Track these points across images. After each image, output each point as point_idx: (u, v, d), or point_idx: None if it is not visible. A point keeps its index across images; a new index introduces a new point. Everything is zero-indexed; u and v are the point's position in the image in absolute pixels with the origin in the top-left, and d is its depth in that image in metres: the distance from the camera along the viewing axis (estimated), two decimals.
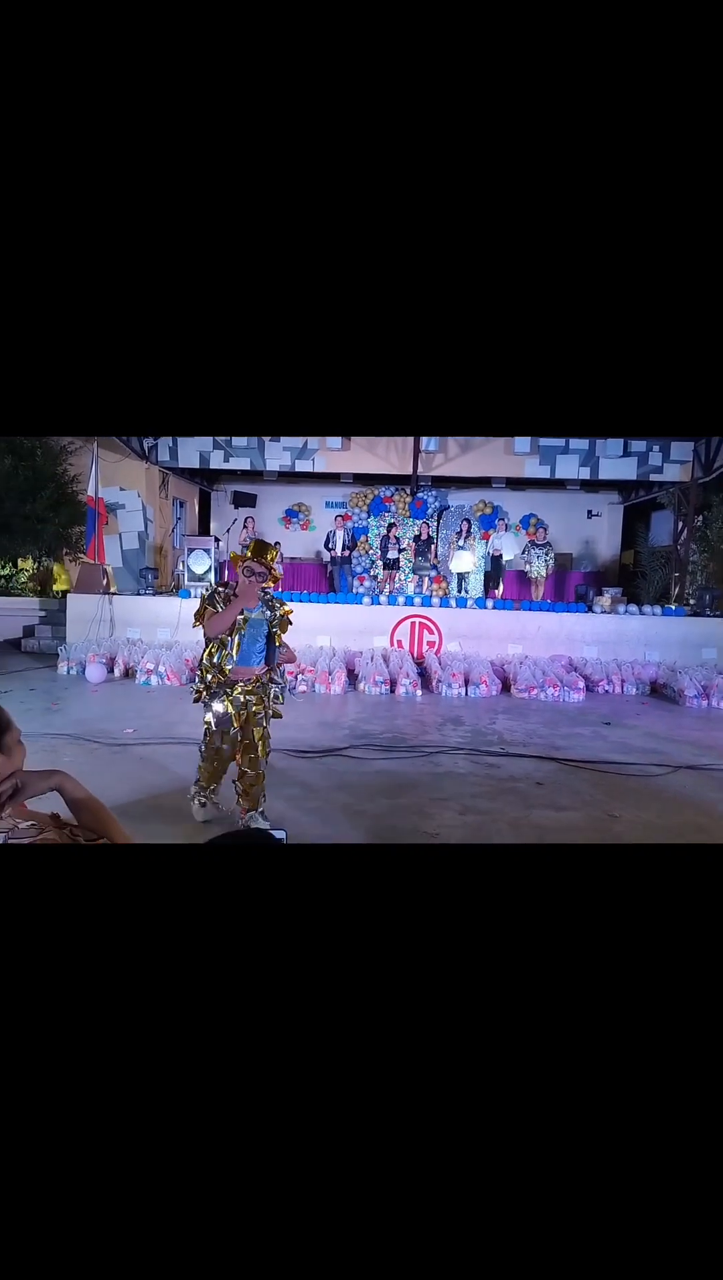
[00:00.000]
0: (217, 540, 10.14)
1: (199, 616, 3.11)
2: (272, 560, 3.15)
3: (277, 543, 3.60)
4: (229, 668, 3.10)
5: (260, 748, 3.14)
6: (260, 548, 3.14)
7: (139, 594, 9.23)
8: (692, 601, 9.58)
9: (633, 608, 8.94)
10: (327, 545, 10.58)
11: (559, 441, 10.52)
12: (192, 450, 11.01)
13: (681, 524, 10.73)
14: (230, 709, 3.11)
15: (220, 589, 3.17)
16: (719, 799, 3.98)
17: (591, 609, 8.90)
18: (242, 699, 3.11)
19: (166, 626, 8.65)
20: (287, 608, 3.26)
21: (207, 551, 9.80)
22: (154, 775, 4.03)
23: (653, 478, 10.62)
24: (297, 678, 7.10)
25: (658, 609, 8.97)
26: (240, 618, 3.09)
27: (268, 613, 3.18)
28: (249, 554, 3.12)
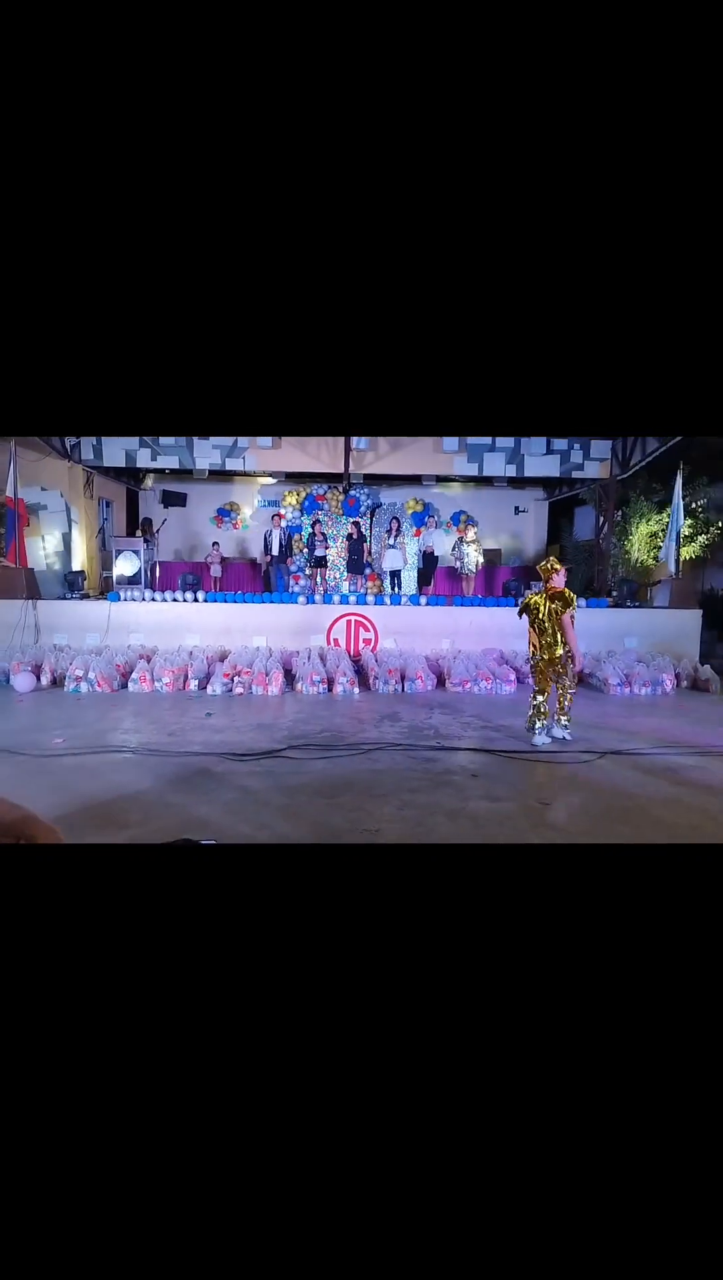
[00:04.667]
0: (146, 541, 9.89)
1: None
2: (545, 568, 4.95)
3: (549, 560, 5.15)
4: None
5: None
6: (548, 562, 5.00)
7: (64, 598, 8.89)
8: (613, 593, 10.04)
9: None
10: (265, 545, 10.50)
11: (486, 440, 10.79)
12: (117, 449, 10.67)
13: (601, 519, 11.22)
14: None
15: None
16: (641, 781, 4.21)
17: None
18: None
19: (96, 631, 8.38)
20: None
21: (136, 553, 9.54)
22: (87, 783, 3.91)
23: (575, 475, 11.04)
24: (233, 679, 7.03)
25: (583, 601, 9.36)
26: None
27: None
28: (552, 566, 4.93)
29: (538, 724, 4.99)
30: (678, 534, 9.10)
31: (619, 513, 11.16)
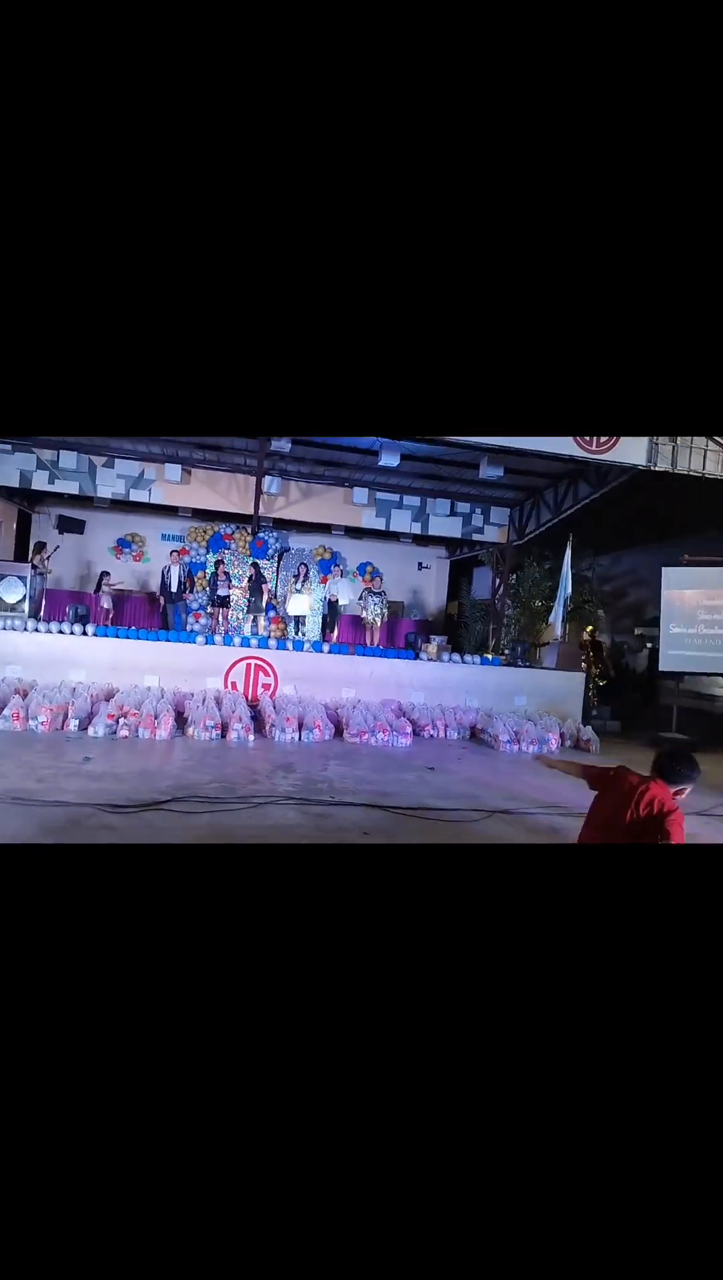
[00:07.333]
0: (34, 567, 9.27)
1: None
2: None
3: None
4: None
5: None
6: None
7: None
8: (506, 652, 10.49)
9: (456, 656, 9.57)
10: (162, 580, 10.12)
11: (394, 496, 11.14)
12: (11, 468, 10.05)
13: (497, 580, 11.79)
14: None
15: None
16: (526, 841, 4.29)
17: (418, 655, 9.38)
18: None
19: None
20: None
21: (21, 579, 8.90)
22: None
23: (475, 537, 11.59)
24: (118, 720, 6.61)
25: (478, 658, 9.69)
26: None
27: None
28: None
29: None
30: (566, 600, 9.70)
31: (514, 576, 11.79)
